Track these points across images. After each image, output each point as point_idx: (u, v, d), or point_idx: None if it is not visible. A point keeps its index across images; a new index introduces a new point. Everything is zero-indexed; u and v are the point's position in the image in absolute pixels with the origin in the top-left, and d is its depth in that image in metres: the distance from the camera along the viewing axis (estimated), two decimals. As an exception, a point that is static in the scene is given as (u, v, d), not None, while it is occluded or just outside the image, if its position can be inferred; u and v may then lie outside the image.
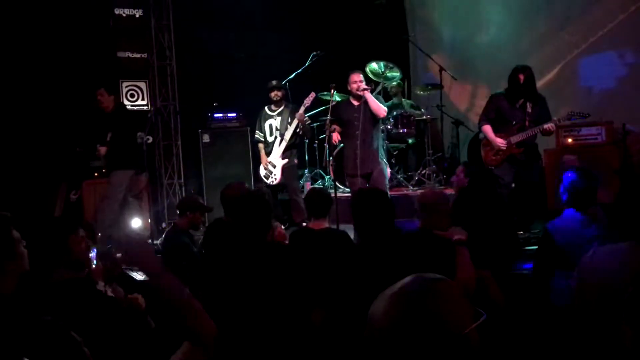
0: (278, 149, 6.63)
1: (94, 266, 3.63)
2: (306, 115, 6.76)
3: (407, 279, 1.47)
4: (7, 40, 6.71)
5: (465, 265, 3.00)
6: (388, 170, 5.99)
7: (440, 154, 7.81)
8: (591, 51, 7.03)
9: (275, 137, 6.70)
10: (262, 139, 6.82)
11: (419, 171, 7.47)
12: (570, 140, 6.28)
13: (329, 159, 6.48)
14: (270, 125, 6.76)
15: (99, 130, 6.19)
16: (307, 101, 6.48)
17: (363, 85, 5.80)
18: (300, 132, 6.66)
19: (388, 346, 1.38)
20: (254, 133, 6.95)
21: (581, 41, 7.10)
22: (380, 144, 5.95)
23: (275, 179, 6.61)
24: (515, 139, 5.43)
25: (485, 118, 5.66)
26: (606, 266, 2.42)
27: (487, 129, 5.60)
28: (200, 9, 8.23)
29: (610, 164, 5.95)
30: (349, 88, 5.91)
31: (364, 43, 8.66)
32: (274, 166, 6.64)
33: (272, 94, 6.71)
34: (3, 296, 2.11)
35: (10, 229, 2.20)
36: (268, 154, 6.74)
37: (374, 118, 5.75)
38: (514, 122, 5.49)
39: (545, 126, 5.33)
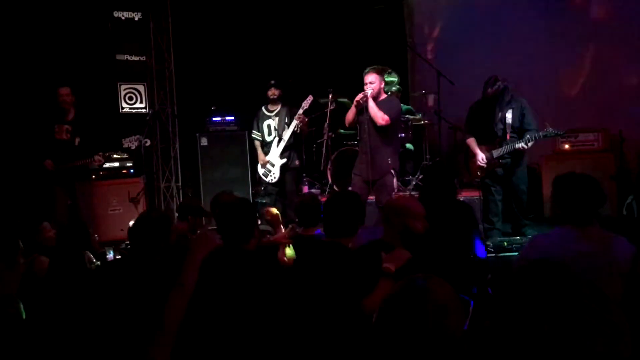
0: (276, 149, 6.67)
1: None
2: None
3: (401, 282, 1.53)
4: (7, 42, 6.72)
5: (376, 298, 2.73)
6: (395, 181, 5.83)
7: (437, 159, 7.82)
8: (588, 57, 7.05)
9: (274, 137, 6.72)
10: (260, 139, 6.83)
11: (416, 176, 7.48)
12: (567, 146, 6.31)
13: (327, 163, 6.50)
14: (269, 126, 6.78)
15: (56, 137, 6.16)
16: (305, 104, 6.50)
17: (366, 90, 5.47)
18: (299, 131, 6.65)
19: (388, 343, 1.42)
20: (251, 132, 6.95)
21: (579, 46, 7.13)
22: (393, 150, 5.68)
23: (275, 177, 6.67)
24: (497, 152, 5.48)
25: (468, 130, 5.70)
26: (548, 248, 2.69)
27: (471, 142, 5.65)
28: (199, 12, 8.24)
29: (606, 170, 5.98)
30: None
31: (363, 48, 8.68)
32: (273, 165, 6.68)
33: (270, 93, 6.71)
34: None
35: (17, 238, 2.19)
36: (266, 153, 6.76)
37: (376, 124, 5.52)
38: (495, 134, 5.49)
39: (517, 146, 5.34)
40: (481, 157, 5.50)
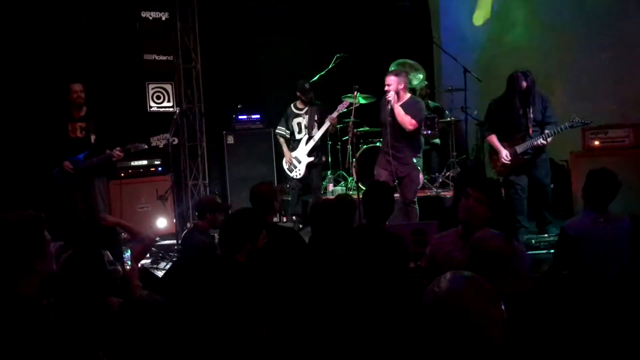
0: (305, 147, 6.78)
1: (128, 267, 3.69)
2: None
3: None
4: (33, 41, 6.83)
5: None
6: (421, 177, 5.83)
7: (464, 156, 7.76)
8: (618, 52, 6.90)
9: (304, 135, 6.83)
10: (287, 136, 6.95)
11: (442, 173, 7.43)
12: (597, 142, 6.18)
13: (352, 160, 6.48)
14: (299, 124, 6.89)
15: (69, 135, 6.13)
16: (341, 107, 6.60)
17: (389, 94, 5.47)
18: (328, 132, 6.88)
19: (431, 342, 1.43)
20: (276, 129, 7.07)
21: (607, 42, 6.99)
22: (415, 149, 5.71)
23: (300, 173, 6.81)
24: (520, 148, 5.37)
25: (488, 128, 5.60)
26: None
27: (492, 139, 5.53)
28: (225, 11, 8.30)
29: (638, 167, 5.85)
30: None
31: (388, 44, 8.64)
32: (299, 162, 6.80)
33: (305, 98, 6.82)
34: (26, 299, 2.13)
35: (43, 229, 2.24)
36: (293, 149, 6.88)
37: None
38: (517, 130, 5.40)
39: (536, 142, 5.25)
40: (505, 153, 5.41)
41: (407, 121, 5.45)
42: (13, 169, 6.50)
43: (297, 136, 6.90)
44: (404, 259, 3.46)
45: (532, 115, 5.34)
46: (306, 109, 6.87)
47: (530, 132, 5.35)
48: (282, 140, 6.99)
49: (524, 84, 5.27)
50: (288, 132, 6.94)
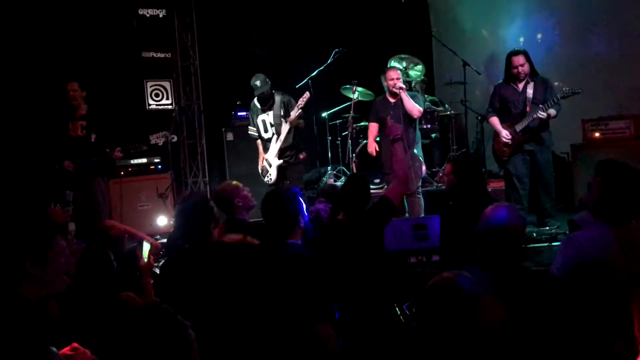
0: (275, 146, 5.96)
1: (145, 260, 3.64)
2: (326, 113, 6.63)
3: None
4: (33, 41, 6.82)
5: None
6: (424, 168, 5.97)
7: (464, 150, 7.74)
8: (618, 46, 6.88)
9: (273, 134, 5.99)
10: (257, 135, 6.13)
11: (443, 167, 7.40)
12: (597, 134, 6.17)
13: (352, 155, 6.47)
14: (264, 121, 6.04)
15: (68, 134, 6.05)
16: (301, 102, 5.83)
17: (399, 83, 5.79)
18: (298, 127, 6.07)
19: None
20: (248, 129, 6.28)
21: (609, 35, 6.96)
22: (416, 141, 5.94)
23: (271, 178, 5.98)
24: (519, 126, 5.49)
25: (490, 110, 5.73)
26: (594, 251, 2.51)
27: (494, 120, 5.67)
28: (223, 7, 8.27)
29: (638, 159, 5.83)
30: (385, 84, 5.94)
31: (387, 38, 8.61)
32: (270, 165, 6.00)
33: (260, 95, 5.96)
34: (27, 301, 2.11)
35: (48, 236, 2.19)
36: (265, 150, 6.07)
37: (409, 117, 5.77)
38: (516, 108, 5.53)
39: (535, 116, 5.35)
40: (505, 133, 5.55)
41: (416, 108, 5.77)
42: (14, 168, 6.50)
43: (264, 135, 6.03)
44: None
45: (531, 92, 5.45)
46: (268, 104, 6.00)
47: (528, 109, 5.43)
48: (258, 142, 6.15)
49: (520, 61, 5.42)
50: (255, 130, 6.13)
